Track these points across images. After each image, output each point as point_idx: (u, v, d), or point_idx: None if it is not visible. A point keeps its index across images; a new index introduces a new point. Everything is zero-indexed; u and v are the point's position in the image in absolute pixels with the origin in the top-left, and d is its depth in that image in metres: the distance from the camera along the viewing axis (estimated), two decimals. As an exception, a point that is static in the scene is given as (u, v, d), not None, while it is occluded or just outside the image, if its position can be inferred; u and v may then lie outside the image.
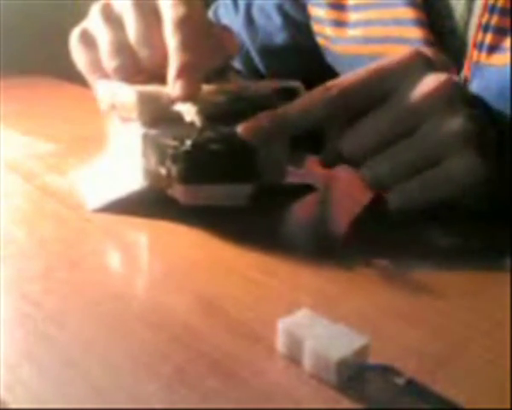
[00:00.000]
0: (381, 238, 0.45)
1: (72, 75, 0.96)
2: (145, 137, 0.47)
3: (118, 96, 0.50)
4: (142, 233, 0.47)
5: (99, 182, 0.52)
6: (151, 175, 0.47)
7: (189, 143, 0.45)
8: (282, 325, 0.32)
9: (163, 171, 0.46)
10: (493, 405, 0.29)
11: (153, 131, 0.47)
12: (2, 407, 0.28)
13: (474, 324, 0.36)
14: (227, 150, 0.46)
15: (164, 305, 0.36)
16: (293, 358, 0.31)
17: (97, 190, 0.50)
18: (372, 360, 0.31)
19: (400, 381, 0.30)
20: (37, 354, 0.32)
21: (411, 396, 0.29)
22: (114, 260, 0.44)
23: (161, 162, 0.46)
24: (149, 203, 0.48)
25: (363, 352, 0.30)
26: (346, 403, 0.29)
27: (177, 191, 0.46)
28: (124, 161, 0.50)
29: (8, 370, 0.30)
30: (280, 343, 0.32)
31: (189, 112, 0.47)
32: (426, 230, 0.46)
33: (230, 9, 0.81)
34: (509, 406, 0.29)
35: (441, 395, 0.29)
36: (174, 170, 0.45)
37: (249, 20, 0.78)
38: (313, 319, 0.32)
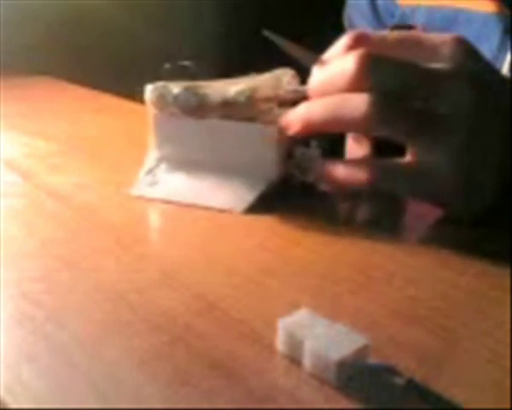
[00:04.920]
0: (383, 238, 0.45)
1: (72, 75, 0.96)
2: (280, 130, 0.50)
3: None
4: (142, 233, 0.47)
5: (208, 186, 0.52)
6: (287, 164, 0.51)
7: None
8: (282, 324, 0.32)
9: (308, 156, 0.50)
10: (493, 405, 0.29)
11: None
12: (2, 407, 0.28)
13: (474, 324, 0.36)
14: None
15: (164, 305, 0.36)
16: (293, 358, 0.31)
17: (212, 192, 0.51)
18: (372, 360, 0.31)
19: (400, 381, 0.30)
20: (37, 354, 0.32)
21: (411, 396, 0.29)
22: (114, 259, 0.44)
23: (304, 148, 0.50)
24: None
25: (363, 352, 0.30)
26: (346, 403, 0.29)
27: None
28: (230, 158, 0.51)
29: (8, 370, 0.30)
30: (280, 343, 0.32)
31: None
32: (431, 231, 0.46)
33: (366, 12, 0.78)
34: (508, 406, 0.29)
35: (441, 395, 0.29)
36: (318, 153, 0.49)
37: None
38: (313, 319, 0.32)
